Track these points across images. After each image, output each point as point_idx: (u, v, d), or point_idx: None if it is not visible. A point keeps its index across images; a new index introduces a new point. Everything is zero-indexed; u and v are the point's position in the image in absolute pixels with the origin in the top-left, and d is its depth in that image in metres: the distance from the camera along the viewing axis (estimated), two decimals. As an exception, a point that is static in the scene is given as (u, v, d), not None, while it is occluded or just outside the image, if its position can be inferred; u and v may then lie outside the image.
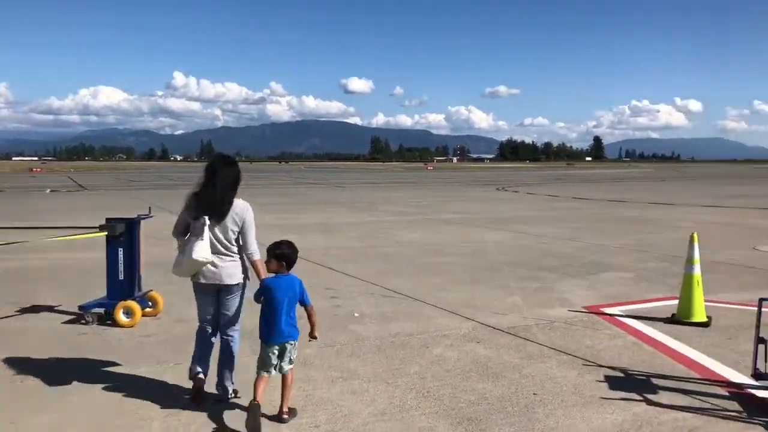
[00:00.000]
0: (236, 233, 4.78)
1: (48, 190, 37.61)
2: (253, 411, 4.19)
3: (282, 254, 4.53)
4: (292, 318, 4.49)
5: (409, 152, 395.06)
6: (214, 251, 4.69)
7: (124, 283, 7.11)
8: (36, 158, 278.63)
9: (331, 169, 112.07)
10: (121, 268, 7.10)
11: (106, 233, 6.96)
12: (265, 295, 4.48)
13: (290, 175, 72.27)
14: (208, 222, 4.65)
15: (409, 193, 36.61)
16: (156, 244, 11.53)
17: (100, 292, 7.36)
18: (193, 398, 4.75)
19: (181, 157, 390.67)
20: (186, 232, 4.82)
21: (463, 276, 10.24)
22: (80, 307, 7.04)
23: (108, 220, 7.16)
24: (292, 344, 4.49)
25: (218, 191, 4.69)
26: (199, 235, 4.64)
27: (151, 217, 7.57)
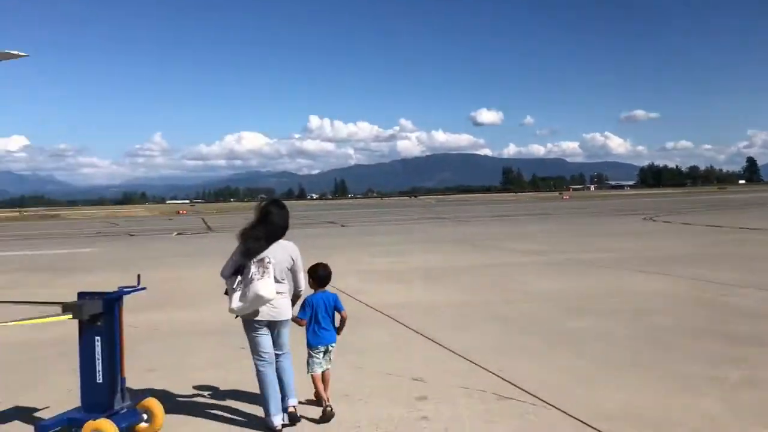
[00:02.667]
0: (288, 271, 5.23)
1: (174, 233, 37.77)
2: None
3: (318, 276, 5.55)
4: (331, 325, 5.48)
5: (543, 181, 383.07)
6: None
7: (104, 389, 4.79)
8: (187, 201, 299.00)
9: (460, 202, 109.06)
10: (98, 367, 4.78)
11: (70, 316, 4.67)
12: (308, 309, 5.38)
13: (415, 210, 70.07)
14: (272, 261, 5.00)
15: (543, 226, 32.79)
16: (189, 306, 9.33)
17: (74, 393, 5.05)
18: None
19: (317, 196, 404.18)
20: (237, 272, 5.03)
21: (620, 355, 7.07)
22: (37, 428, 4.75)
23: (80, 295, 4.88)
24: (333, 346, 5.50)
25: (279, 232, 5.16)
26: (262, 274, 4.92)
27: (142, 289, 5.23)
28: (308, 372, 5.40)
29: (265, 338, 5.13)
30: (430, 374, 6.46)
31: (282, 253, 5.14)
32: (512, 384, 6.07)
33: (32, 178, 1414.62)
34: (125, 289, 4.95)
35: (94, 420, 4.58)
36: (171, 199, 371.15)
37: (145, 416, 5.01)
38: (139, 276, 5.27)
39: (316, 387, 5.41)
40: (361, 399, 5.77)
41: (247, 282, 4.93)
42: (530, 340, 7.94)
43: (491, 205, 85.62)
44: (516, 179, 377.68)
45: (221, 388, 6.33)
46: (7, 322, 4.73)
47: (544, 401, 5.55)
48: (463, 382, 6.16)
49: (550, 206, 69.23)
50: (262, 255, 4.99)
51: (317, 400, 5.47)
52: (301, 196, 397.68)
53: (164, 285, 14.21)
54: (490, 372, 6.50)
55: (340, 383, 6.12)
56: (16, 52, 18.58)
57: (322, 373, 5.43)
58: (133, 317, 9.88)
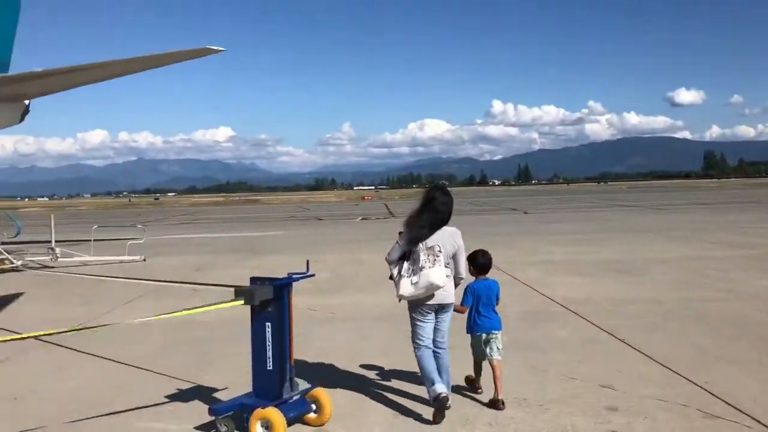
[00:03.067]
0: (453, 256, 5.24)
1: (359, 219, 39.07)
2: (471, 381, 5.66)
3: (478, 264, 5.60)
4: (494, 313, 5.50)
5: (752, 166, 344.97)
6: None
7: (274, 377, 4.78)
8: (372, 187, 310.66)
9: (655, 189, 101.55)
10: (269, 353, 4.78)
11: (242, 301, 4.69)
12: (470, 296, 5.48)
13: (604, 197, 66.25)
14: (442, 250, 5.08)
15: (753, 215, 29.24)
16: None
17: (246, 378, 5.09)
18: (437, 417, 4.93)
19: (499, 182, 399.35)
20: (403, 258, 5.14)
21: None
22: (211, 411, 4.85)
23: (252, 280, 4.90)
24: (495, 335, 5.46)
25: (444, 219, 5.20)
26: (433, 262, 5.02)
27: (311, 275, 5.13)
28: (490, 357, 5.44)
29: (429, 325, 5.22)
30: (621, 381, 5.77)
31: (448, 239, 5.20)
32: (721, 399, 5.22)
33: (237, 166, 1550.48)
34: (294, 275, 4.88)
35: (263, 408, 4.57)
36: (358, 185, 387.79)
37: (313, 406, 4.94)
38: (308, 262, 5.21)
39: (474, 371, 5.64)
40: (542, 405, 5.27)
41: (416, 270, 5.04)
42: (739, 346, 6.87)
43: (690, 192, 78.48)
44: (719, 164, 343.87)
45: (390, 376, 6.16)
46: (182, 310, 4.86)
47: (763, 424, 4.66)
48: (660, 393, 5.41)
49: (762, 193, 61.75)
50: (431, 243, 5.10)
51: (469, 384, 5.70)
52: (483, 182, 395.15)
53: (345, 268, 14.56)
54: (693, 383, 5.66)
55: (518, 385, 5.66)
56: (214, 48, 20.08)
57: (491, 363, 5.40)
58: (312, 300, 10.14)
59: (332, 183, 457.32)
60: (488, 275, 5.63)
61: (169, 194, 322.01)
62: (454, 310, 5.35)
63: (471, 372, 5.74)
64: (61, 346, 7.67)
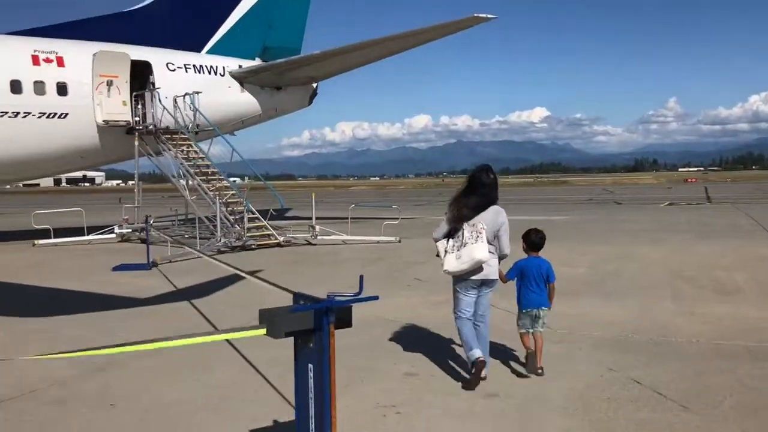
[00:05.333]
0: (495, 235, 5.46)
1: (665, 203, 34.24)
2: (530, 358, 5.70)
3: (530, 241, 5.81)
4: (543, 290, 5.71)
5: None
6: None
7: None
8: (701, 168, 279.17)
9: None
10: (311, 401, 3.15)
11: (264, 330, 3.11)
12: (520, 273, 5.76)
13: None
14: (485, 227, 5.33)
15: None
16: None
17: None
18: (474, 381, 5.31)
19: None
20: (448, 236, 5.46)
21: None
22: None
23: (296, 297, 3.27)
24: (543, 311, 5.71)
25: (490, 199, 5.46)
26: (476, 239, 5.30)
27: (372, 299, 3.28)
28: (521, 329, 5.79)
29: (470, 298, 5.55)
30: None
31: (492, 217, 5.44)
32: None
33: (551, 147, 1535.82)
34: (338, 297, 3.11)
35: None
36: (683, 167, 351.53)
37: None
38: (361, 278, 3.33)
39: (524, 345, 5.78)
40: None
41: (460, 246, 5.35)
42: None
43: None
44: None
45: None
46: (197, 336, 3.50)
47: None
48: None
49: None
50: (473, 221, 5.37)
51: (526, 363, 5.78)
52: None
53: (605, 266, 11.97)
54: None
55: None
56: (483, 15, 18.50)
57: (533, 335, 5.72)
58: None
59: (653, 164, 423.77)
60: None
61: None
62: (499, 278, 5.64)
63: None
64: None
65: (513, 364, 5.97)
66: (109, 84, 17.97)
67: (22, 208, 35.31)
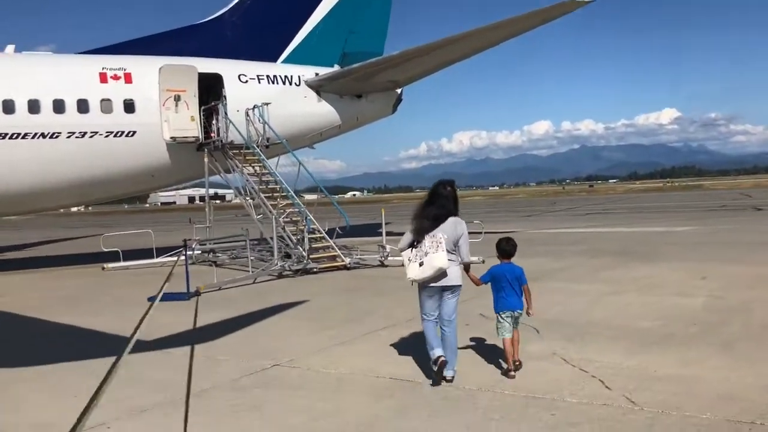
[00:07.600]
0: (456, 243, 5.88)
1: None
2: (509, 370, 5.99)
3: (502, 250, 6.20)
4: (518, 294, 6.06)
5: None
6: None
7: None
8: None
9: None
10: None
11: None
12: (493, 278, 6.14)
13: None
14: (444, 236, 5.75)
15: None
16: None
17: None
18: (438, 380, 5.73)
19: None
20: (411, 246, 5.89)
21: None
22: None
23: None
24: (519, 312, 6.09)
25: (448, 211, 5.89)
26: (436, 248, 5.69)
27: None
28: (499, 336, 6.14)
29: (432, 301, 5.96)
30: None
31: (451, 227, 5.88)
32: None
33: (683, 149, 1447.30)
34: None
35: None
36: None
37: None
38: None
39: (505, 351, 6.08)
40: None
41: (422, 255, 5.76)
42: None
43: None
44: None
45: None
46: None
47: None
48: None
49: None
50: (434, 231, 5.80)
51: (507, 370, 6.01)
52: None
53: (734, 294, 9.23)
54: None
55: None
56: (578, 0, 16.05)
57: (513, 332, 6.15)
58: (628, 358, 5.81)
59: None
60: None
61: (610, 181, 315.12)
62: (471, 279, 6.13)
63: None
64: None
65: None
66: (177, 99, 17.20)
67: (126, 226, 36.15)
